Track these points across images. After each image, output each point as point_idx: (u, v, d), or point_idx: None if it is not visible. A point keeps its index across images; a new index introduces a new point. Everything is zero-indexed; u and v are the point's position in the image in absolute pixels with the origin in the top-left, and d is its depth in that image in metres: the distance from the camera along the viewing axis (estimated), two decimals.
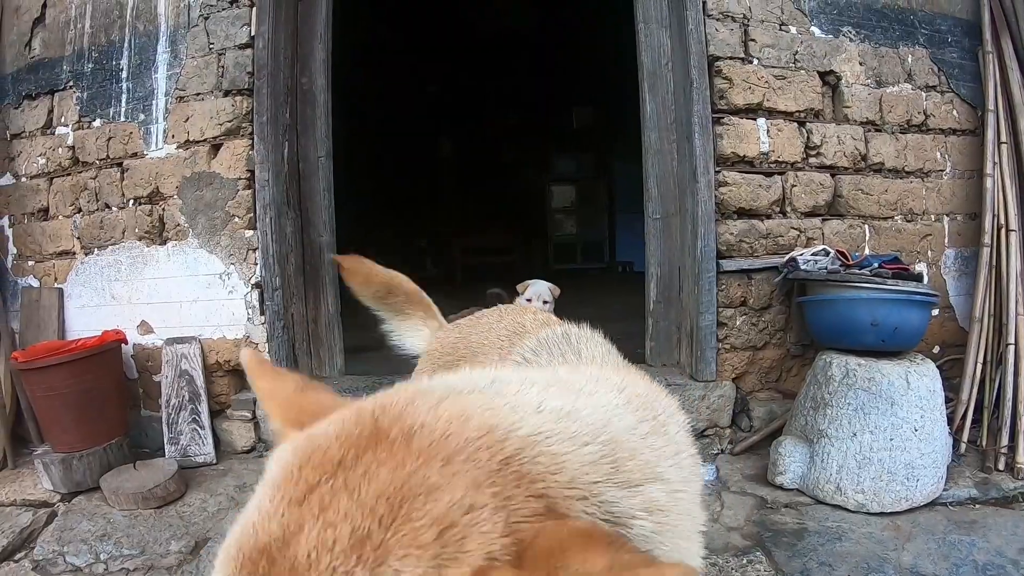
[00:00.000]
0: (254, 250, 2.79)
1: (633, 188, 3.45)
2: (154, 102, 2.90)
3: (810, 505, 2.33)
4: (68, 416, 2.56)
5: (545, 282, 3.10)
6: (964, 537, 2.08)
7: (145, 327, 2.89)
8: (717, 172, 2.78)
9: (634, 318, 3.39)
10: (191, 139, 2.84)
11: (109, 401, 2.66)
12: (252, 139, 2.78)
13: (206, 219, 2.82)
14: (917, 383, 2.30)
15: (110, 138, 2.94)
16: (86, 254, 2.96)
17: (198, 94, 2.85)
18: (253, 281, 2.80)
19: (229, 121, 2.79)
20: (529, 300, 3.02)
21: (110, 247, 2.92)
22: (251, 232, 2.78)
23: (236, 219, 2.80)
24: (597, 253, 8.73)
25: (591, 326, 1.04)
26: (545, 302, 3.03)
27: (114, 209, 2.94)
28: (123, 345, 2.77)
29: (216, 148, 2.83)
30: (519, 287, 3.10)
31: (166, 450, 2.75)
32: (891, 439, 2.27)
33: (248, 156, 2.78)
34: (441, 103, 8.51)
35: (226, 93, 2.81)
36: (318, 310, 3.04)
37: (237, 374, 2.90)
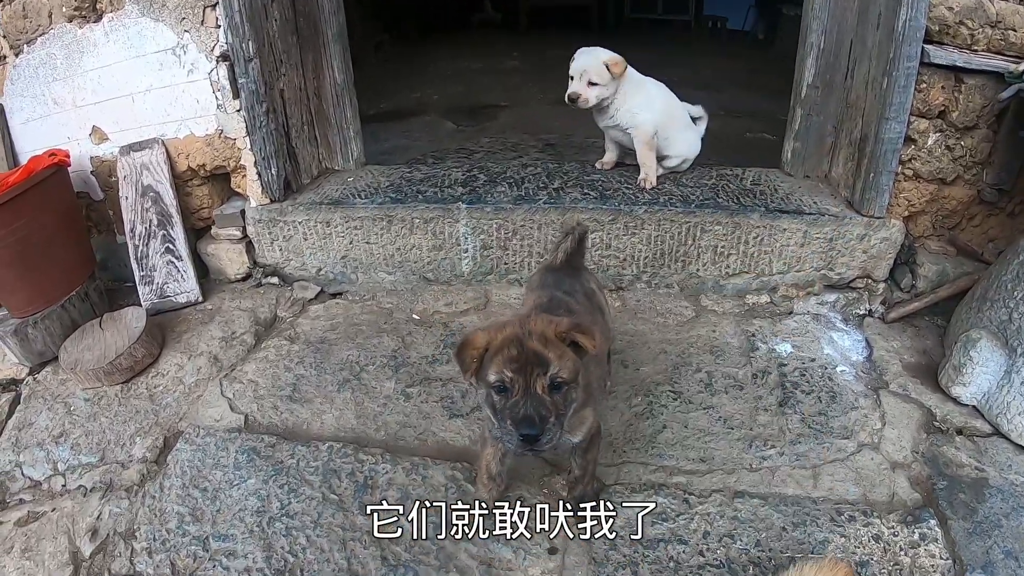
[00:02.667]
0: (213, 6, 1.96)
1: None
2: None
3: (988, 437, 1.64)
4: (10, 275, 1.92)
5: (598, 51, 2.04)
6: None
7: (99, 134, 2.17)
8: None
9: (734, 90, 2.47)
10: None
11: (59, 244, 1.98)
12: None
13: None
14: None
15: None
16: (16, 54, 2.21)
17: None
18: (217, 52, 1.98)
19: None
20: (572, 78, 2.04)
21: (39, 39, 2.16)
22: None
23: None
24: (681, 2, 6.88)
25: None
26: (591, 83, 2.01)
27: None
28: (68, 167, 2.04)
29: None
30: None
31: (139, 292, 2.06)
32: None
33: None
34: None
35: None
36: (320, 80, 2.20)
37: (219, 179, 2.14)
